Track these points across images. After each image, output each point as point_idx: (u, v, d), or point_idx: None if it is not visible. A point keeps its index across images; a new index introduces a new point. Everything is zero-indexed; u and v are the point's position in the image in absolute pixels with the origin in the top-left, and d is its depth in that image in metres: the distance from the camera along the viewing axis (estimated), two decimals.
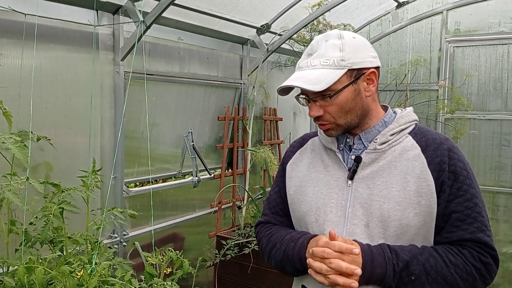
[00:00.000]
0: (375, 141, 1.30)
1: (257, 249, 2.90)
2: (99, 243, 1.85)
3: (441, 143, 1.28)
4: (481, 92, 4.03)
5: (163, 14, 2.37)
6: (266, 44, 3.54)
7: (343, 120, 1.29)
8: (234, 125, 3.55)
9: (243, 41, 3.57)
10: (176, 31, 2.93)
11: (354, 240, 1.23)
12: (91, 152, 2.33)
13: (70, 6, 2.24)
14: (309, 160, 1.43)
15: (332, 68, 1.24)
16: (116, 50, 2.49)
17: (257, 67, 3.56)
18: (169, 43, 2.90)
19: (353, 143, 1.35)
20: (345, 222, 1.28)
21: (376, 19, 4.46)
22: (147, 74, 2.55)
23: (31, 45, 2.03)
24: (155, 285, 1.82)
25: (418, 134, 1.31)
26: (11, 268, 1.67)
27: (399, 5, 4.30)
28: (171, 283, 1.84)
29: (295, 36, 3.52)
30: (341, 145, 1.37)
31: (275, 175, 1.59)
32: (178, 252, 2.02)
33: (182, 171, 3.13)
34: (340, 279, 1.17)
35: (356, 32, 3.72)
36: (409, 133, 1.31)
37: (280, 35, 3.52)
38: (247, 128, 3.59)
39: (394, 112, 1.38)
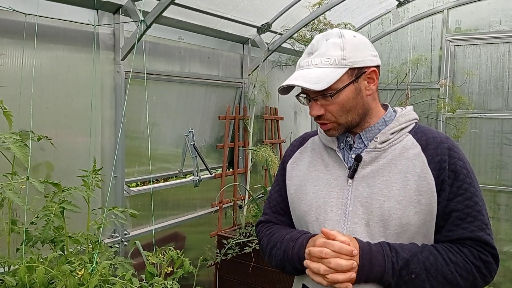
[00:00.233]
0: (376, 140, 1.30)
1: (258, 248, 2.90)
2: (100, 242, 1.85)
3: (441, 141, 1.27)
4: (482, 91, 4.03)
5: (164, 14, 2.37)
6: (267, 43, 3.54)
7: (344, 119, 1.29)
8: (235, 124, 3.55)
9: (243, 41, 3.57)
10: (176, 30, 2.93)
11: (353, 238, 1.23)
12: (92, 151, 2.33)
13: (70, 6, 2.24)
14: (310, 159, 1.43)
15: (333, 67, 1.24)
16: (117, 49, 2.50)
17: (258, 66, 3.56)
18: (169, 43, 2.90)
19: (354, 142, 1.35)
20: (345, 221, 1.28)
21: (377, 18, 4.45)
22: (147, 73, 2.55)
23: (32, 45, 2.03)
24: (156, 284, 1.82)
25: (418, 133, 1.31)
26: (12, 268, 1.67)
27: (400, 4, 4.29)
28: (172, 282, 1.84)
29: (295, 35, 3.51)
30: (342, 144, 1.37)
31: (275, 174, 1.59)
32: (179, 251, 2.02)
33: (183, 171, 3.13)
34: (340, 276, 1.18)
35: (356, 31, 3.71)
36: (409, 132, 1.31)
37: (280, 34, 3.52)
38: (248, 128, 3.59)
39: (394, 111, 1.38)
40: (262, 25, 3.47)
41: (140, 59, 2.55)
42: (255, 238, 3.03)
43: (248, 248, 3.04)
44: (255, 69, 3.59)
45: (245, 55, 3.63)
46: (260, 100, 3.74)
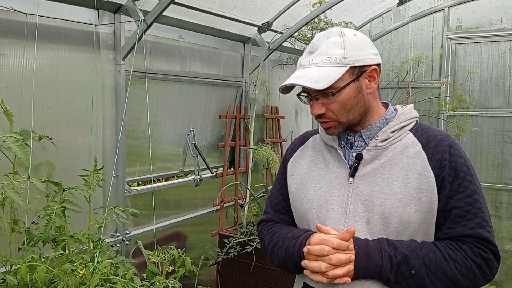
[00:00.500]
0: (376, 138, 1.30)
1: (259, 247, 2.90)
2: (101, 241, 1.85)
3: (442, 139, 1.28)
4: (483, 89, 4.03)
5: (164, 13, 2.37)
6: (268, 43, 3.54)
7: (345, 118, 1.29)
8: (236, 123, 3.55)
9: (244, 40, 3.57)
10: (177, 30, 2.93)
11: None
12: (93, 151, 2.33)
13: (71, 6, 2.24)
14: (310, 158, 1.44)
15: (334, 66, 1.24)
16: (117, 49, 2.50)
17: (259, 65, 3.56)
18: (170, 42, 2.91)
19: (354, 140, 1.35)
20: (346, 219, 1.28)
21: (377, 17, 4.45)
22: (148, 73, 2.55)
23: (32, 44, 2.03)
24: (157, 283, 1.82)
25: (419, 131, 1.31)
26: (13, 267, 1.67)
27: (401, 3, 4.28)
28: (174, 281, 1.84)
29: (296, 34, 3.51)
30: (342, 143, 1.37)
31: (277, 173, 1.59)
32: (180, 250, 2.03)
33: (184, 170, 3.13)
34: (340, 271, 1.19)
35: (357, 29, 3.71)
36: (410, 130, 1.32)
37: (281, 33, 3.51)
38: (249, 127, 3.59)
39: (395, 109, 1.38)
40: (262, 24, 3.47)
41: (141, 58, 2.56)
42: (256, 237, 3.03)
43: (249, 247, 3.04)
44: (255, 68, 3.59)
45: (246, 54, 3.63)
46: (261, 99, 3.74)
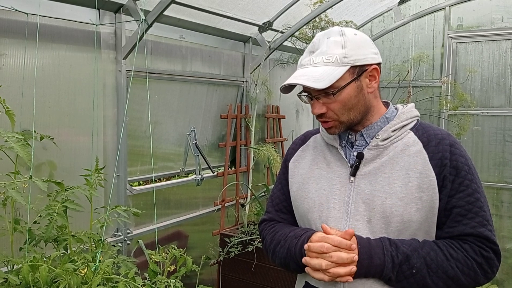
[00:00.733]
0: (377, 137, 1.30)
1: (260, 246, 2.90)
2: (103, 241, 1.85)
3: (443, 138, 1.28)
4: (484, 88, 4.02)
5: (165, 13, 2.37)
6: (268, 42, 3.54)
7: (346, 117, 1.29)
8: (236, 123, 3.56)
9: (245, 39, 3.57)
10: (178, 29, 2.93)
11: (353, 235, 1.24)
12: (94, 150, 2.34)
13: (72, 5, 2.24)
14: (312, 157, 1.44)
15: (335, 65, 1.24)
16: (118, 49, 2.50)
17: (259, 65, 3.56)
18: (171, 42, 2.91)
19: (355, 140, 1.35)
20: (347, 218, 1.28)
21: (378, 16, 4.44)
22: (149, 72, 2.56)
23: (33, 44, 2.03)
24: (159, 282, 1.82)
25: (419, 130, 1.31)
26: (15, 267, 1.67)
27: (401, 2, 4.28)
28: (175, 280, 1.84)
29: (297, 33, 3.51)
30: (343, 142, 1.37)
31: (278, 173, 1.59)
32: (181, 250, 2.03)
33: (185, 170, 3.13)
34: (341, 270, 1.19)
35: (358, 29, 3.72)
36: (411, 129, 1.32)
37: (282, 32, 3.51)
38: (250, 126, 3.59)
39: (396, 108, 1.38)
40: (263, 23, 3.47)
41: (142, 58, 2.56)
42: (258, 236, 3.04)
43: (250, 246, 3.04)
44: (256, 68, 3.59)
45: (247, 53, 3.63)
46: (262, 98, 3.74)
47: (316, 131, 1.50)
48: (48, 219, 1.66)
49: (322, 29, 3.40)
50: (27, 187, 1.65)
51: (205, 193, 3.35)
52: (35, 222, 1.75)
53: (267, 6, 3.31)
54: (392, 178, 1.25)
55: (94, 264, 1.63)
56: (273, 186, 1.60)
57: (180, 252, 2.01)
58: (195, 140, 3.10)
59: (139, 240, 2.33)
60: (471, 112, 4.00)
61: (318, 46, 1.28)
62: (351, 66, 1.25)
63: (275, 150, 3.44)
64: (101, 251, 1.75)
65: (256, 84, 3.58)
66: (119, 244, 2.57)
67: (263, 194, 3.47)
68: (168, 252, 2.00)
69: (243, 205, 3.56)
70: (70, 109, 2.28)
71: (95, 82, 2.35)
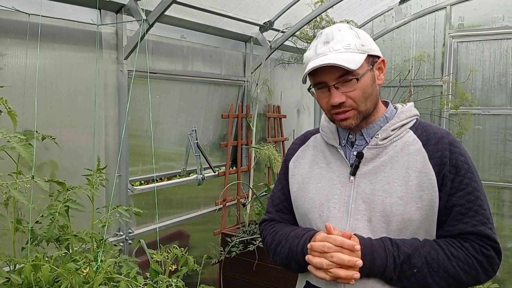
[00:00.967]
0: (377, 136, 1.31)
1: (261, 246, 2.91)
2: (105, 241, 1.86)
3: (442, 137, 1.28)
4: (486, 87, 4.02)
5: (166, 13, 2.37)
6: (269, 42, 3.54)
7: (364, 106, 1.28)
8: (238, 122, 3.56)
9: (246, 39, 3.57)
10: (179, 29, 2.94)
11: (354, 234, 1.24)
12: (96, 150, 2.34)
13: (73, 6, 2.25)
14: (312, 157, 1.44)
15: (355, 52, 1.25)
16: (120, 49, 2.50)
17: (260, 64, 3.56)
18: (172, 42, 2.91)
19: (355, 139, 1.35)
20: (348, 217, 1.28)
21: (379, 15, 4.44)
22: (150, 72, 2.56)
23: (35, 45, 2.04)
24: (160, 282, 1.83)
25: (419, 129, 1.32)
26: (17, 266, 1.68)
27: (402, 1, 4.28)
28: (177, 280, 1.85)
29: (298, 33, 3.51)
30: (343, 141, 1.37)
31: (278, 173, 1.59)
32: (183, 249, 2.03)
33: (187, 169, 3.14)
34: (342, 272, 1.19)
35: (359, 28, 3.71)
36: (410, 128, 1.32)
37: (283, 32, 3.52)
38: (251, 126, 3.59)
39: (395, 108, 1.39)
40: (264, 23, 3.47)
41: (143, 58, 2.56)
42: (259, 236, 3.03)
43: (252, 246, 3.04)
44: (257, 67, 3.59)
45: (248, 53, 3.63)
46: (263, 98, 3.75)
47: (316, 131, 1.50)
48: (50, 218, 1.66)
49: (323, 28, 3.40)
50: (29, 187, 1.66)
51: (207, 193, 3.35)
52: (37, 222, 1.76)
53: (268, 6, 3.31)
54: (392, 177, 1.25)
55: (96, 264, 1.64)
56: (273, 186, 1.60)
57: (182, 252, 2.01)
58: (197, 139, 3.10)
59: (140, 240, 2.34)
60: (472, 112, 3.99)
61: (333, 37, 1.28)
62: (368, 55, 1.27)
63: (276, 150, 3.44)
64: (102, 251, 1.76)
65: (257, 84, 3.58)
66: (121, 244, 2.58)
67: (264, 193, 3.47)
68: (169, 251, 2.01)
69: (244, 205, 3.57)
70: (72, 109, 2.29)
71: (97, 82, 2.35)
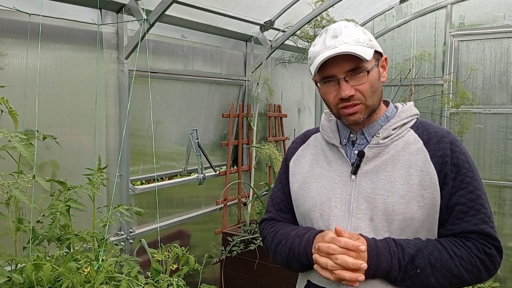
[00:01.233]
0: (378, 135, 1.31)
1: (262, 245, 2.91)
2: (106, 240, 1.86)
3: (443, 136, 1.28)
4: (486, 86, 4.02)
5: (166, 12, 2.37)
6: (270, 41, 3.54)
7: (371, 101, 1.29)
8: (238, 122, 3.56)
9: (246, 38, 3.57)
10: (179, 29, 2.94)
11: (359, 234, 1.24)
12: (97, 150, 2.34)
13: (74, 6, 2.25)
14: (312, 156, 1.44)
15: (365, 46, 1.26)
16: (120, 48, 2.51)
17: (261, 63, 3.56)
18: (172, 41, 2.91)
19: (356, 138, 1.35)
20: (349, 216, 1.28)
21: (380, 14, 4.44)
22: (151, 72, 2.56)
23: (36, 44, 2.04)
24: (161, 281, 1.83)
25: (420, 128, 1.32)
26: (19, 265, 1.69)
27: (403, 0, 4.28)
28: (178, 279, 1.85)
29: (298, 32, 3.51)
30: (344, 140, 1.37)
31: (278, 172, 1.59)
32: (184, 248, 2.03)
33: (188, 169, 3.14)
34: (347, 274, 1.18)
35: None
36: (411, 127, 1.32)
37: (283, 31, 3.52)
38: (252, 125, 3.59)
39: (395, 107, 1.39)
40: (265, 22, 3.47)
41: (144, 57, 2.56)
42: (260, 235, 3.04)
43: (253, 245, 3.04)
44: (258, 67, 3.59)
45: (248, 52, 3.63)
46: (264, 97, 3.75)
47: (316, 130, 1.50)
48: (51, 218, 1.67)
49: (324, 27, 3.40)
50: (30, 187, 1.66)
51: (207, 192, 3.35)
52: (38, 221, 1.76)
53: (269, 5, 3.31)
54: (394, 176, 1.25)
55: (97, 263, 1.64)
56: (273, 185, 1.60)
57: (183, 251, 2.02)
58: (197, 139, 3.10)
59: (141, 239, 2.34)
60: (473, 110, 3.99)
61: (341, 32, 1.28)
62: (375, 50, 1.29)
63: (277, 149, 3.45)
64: (104, 250, 1.76)
65: (257, 83, 3.58)
66: (122, 243, 2.58)
67: (265, 192, 3.47)
68: (170, 251, 2.01)
69: (245, 204, 3.57)
70: (73, 108, 2.29)
71: (97, 81, 2.35)
